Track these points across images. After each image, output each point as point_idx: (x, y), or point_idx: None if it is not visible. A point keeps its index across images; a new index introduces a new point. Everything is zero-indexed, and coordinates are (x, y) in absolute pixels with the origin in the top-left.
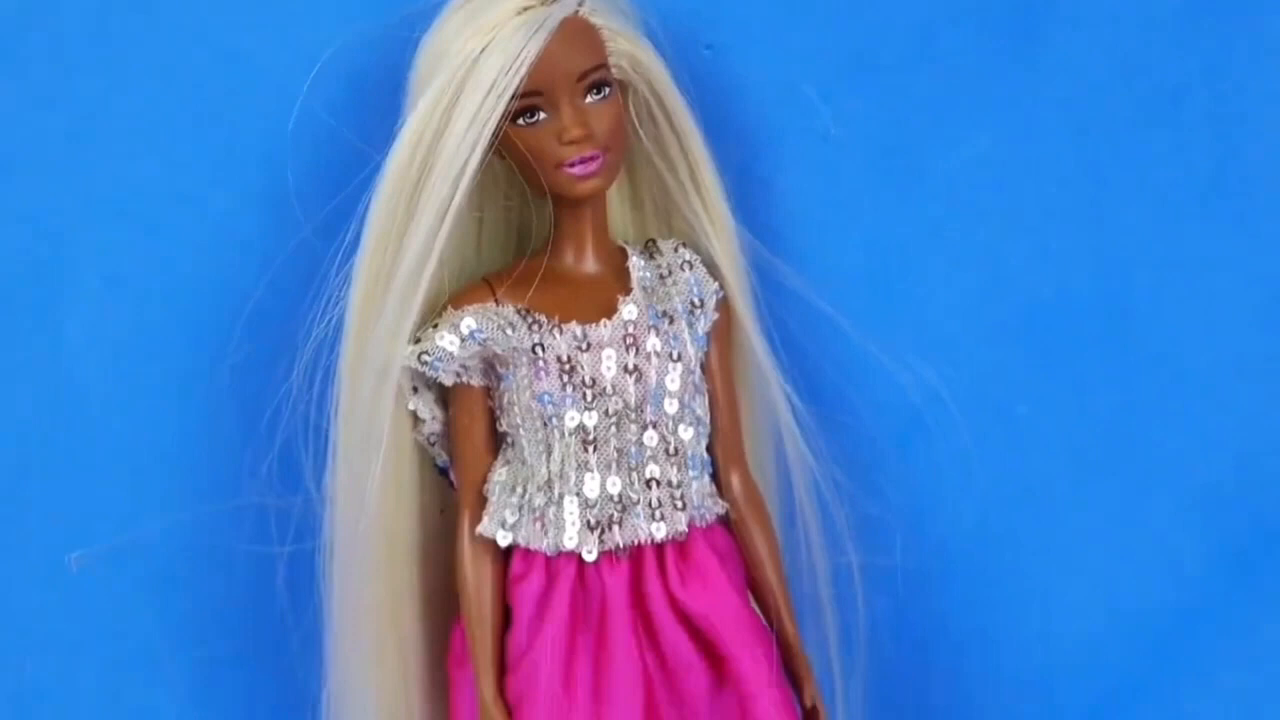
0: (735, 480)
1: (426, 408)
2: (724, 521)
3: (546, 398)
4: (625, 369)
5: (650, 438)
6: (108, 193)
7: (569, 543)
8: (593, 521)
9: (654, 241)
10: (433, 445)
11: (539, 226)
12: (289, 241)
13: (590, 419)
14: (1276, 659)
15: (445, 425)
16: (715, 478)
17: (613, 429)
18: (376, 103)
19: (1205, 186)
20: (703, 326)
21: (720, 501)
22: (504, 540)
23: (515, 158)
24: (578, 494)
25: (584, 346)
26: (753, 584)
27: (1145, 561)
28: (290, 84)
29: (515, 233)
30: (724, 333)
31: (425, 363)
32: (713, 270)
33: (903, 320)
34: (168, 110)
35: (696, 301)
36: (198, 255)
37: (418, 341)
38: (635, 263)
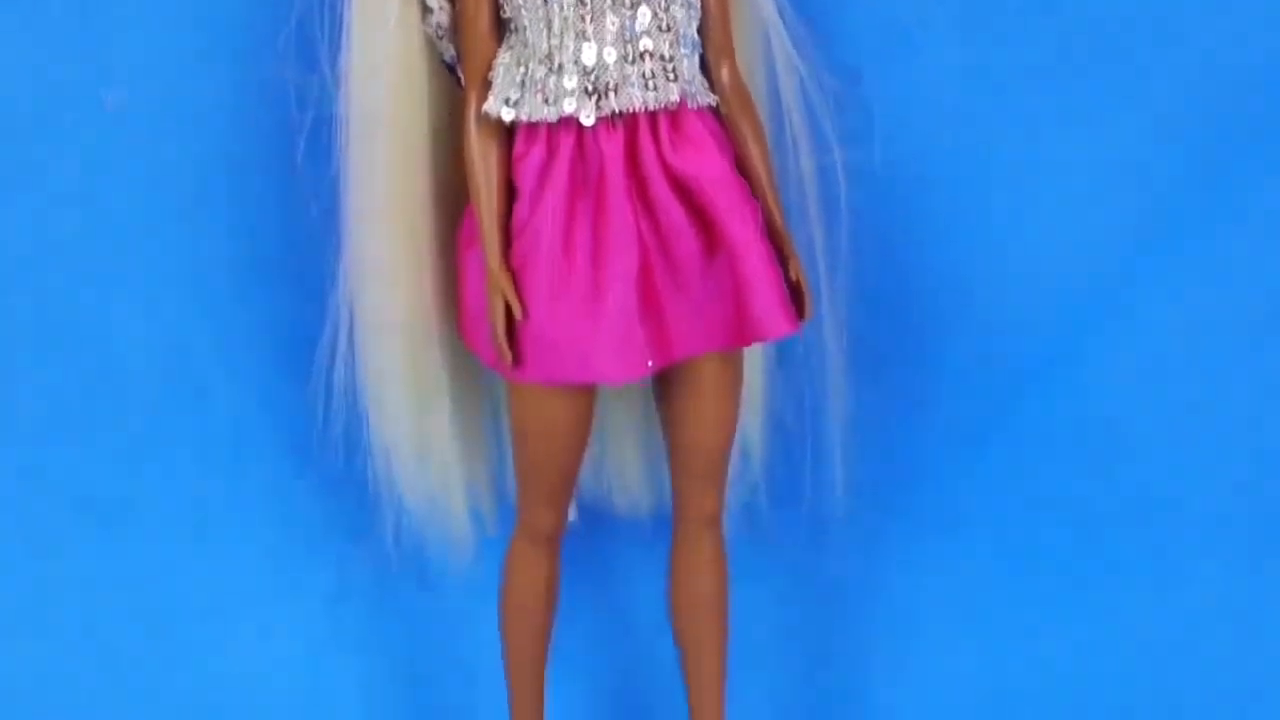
0: (725, 72)
1: None
2: (715, 113)
3: None
4: None
5: (644, 14)
6: None
7: (568, 107)
8: (590, 88)
9: None
10: (440, 39)
11: None
12: None
13: None
14: (1239, 270)
15: (452, 19)
16: (706, 72)
17: (608, 3)
18: None
19: None
20: None
21: (711, 94)
22: (508, 116)
23: None
24: (576, 61)
25: None
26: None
27: (1115, 170)
28: None
29: None
30: None
31: None
32: None
33: None
34: None
35: None
36: None
37: None
38: None
